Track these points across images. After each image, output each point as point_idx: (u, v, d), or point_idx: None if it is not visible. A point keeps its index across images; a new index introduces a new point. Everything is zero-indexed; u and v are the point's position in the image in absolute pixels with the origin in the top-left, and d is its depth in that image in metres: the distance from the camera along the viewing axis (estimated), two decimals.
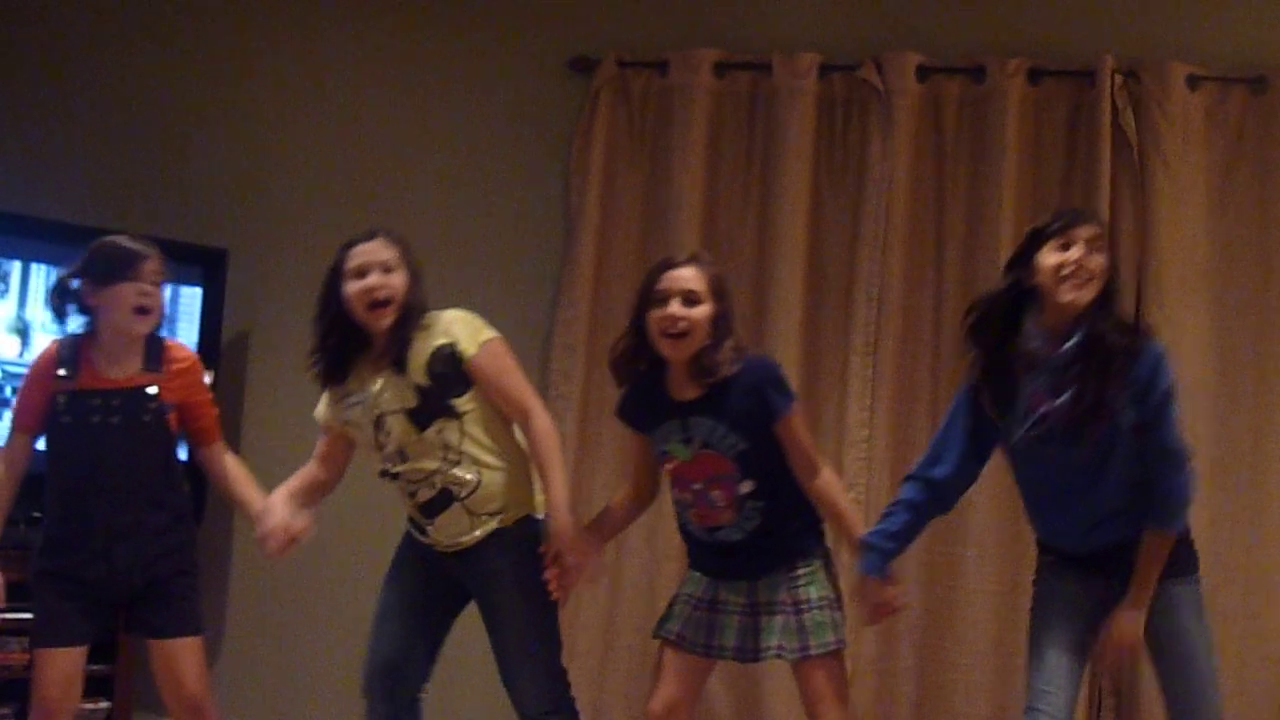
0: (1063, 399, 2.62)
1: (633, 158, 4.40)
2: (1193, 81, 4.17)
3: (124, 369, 2.93)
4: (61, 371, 2.90)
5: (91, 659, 3.04)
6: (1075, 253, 2.66)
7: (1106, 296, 2.69)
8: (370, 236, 2.91)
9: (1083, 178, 4.16)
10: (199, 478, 3.18)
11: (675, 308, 2.77)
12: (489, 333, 2.89)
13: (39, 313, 4.13)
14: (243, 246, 4.40)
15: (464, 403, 2.85)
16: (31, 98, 4.61)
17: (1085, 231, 2.69)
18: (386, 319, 2.84)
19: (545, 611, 2.88)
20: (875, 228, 4.24)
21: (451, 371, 2.83)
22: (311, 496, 3.00)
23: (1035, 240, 2.73)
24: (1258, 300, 4.15)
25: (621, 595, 4.23)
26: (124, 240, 2.93)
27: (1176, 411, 2.67)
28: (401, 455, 2.86)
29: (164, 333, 3.08)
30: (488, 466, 2.85)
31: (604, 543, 3.00)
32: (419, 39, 4.58)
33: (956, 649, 4.11)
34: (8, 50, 4.63)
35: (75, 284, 2.91)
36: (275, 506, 2.91)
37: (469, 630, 3.01)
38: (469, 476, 2.84)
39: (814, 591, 2.81)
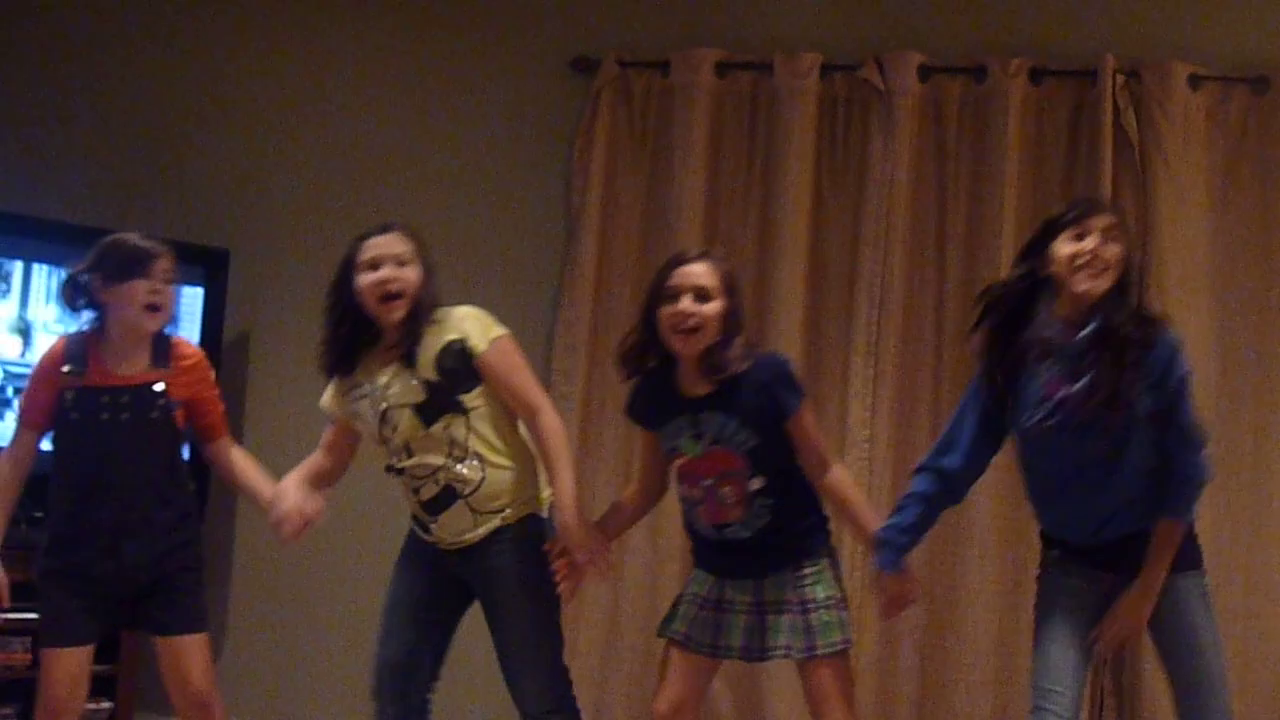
0: (1079, 385, 2.61)
1: (634, 158, 4.40)
2: (1194, 81, 4.17)
3: (132, 366, 2.93)
4: (68, 368, 2.90)
5: (94, 659, 3.03)
6: (1090, 242, 2.65)
7: (1122, 286, 2.68)
8: (385, 229, 2.91)
9: (1084, 177, 4.16)
10: (200, 475, 3.18)
11: (686, 304, 2.76)
12: (499, 330, 2.89)
13: (41, 313, 4.14)
14: (244, 247, 4.40)
15: (472, 399, 2.84)
16: (33, 98, 4.62)
17: (1100, 221, 2.69)
18: (398, 312, 2.84)
19: (548, 610, 2.88)
20: (876, 228, 4.24)
21: (461, 367, 2.83)
22: (318, 484, 3.00)
23: (1050, 229, 2.73)
24: (1259, 300, 4.15)
25: (624, 594, 4.23)
26: (137, 238, 2.93)
27: (1192, 398, 2.67)
28: (407, 450, 2.86)
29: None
30: (492, 464, 2.85)
31: (612, 539, 3.00)
32: (420, 39, 4.59)
33: (958, 648, 4.11)
34: (9, 50, 4.64)
35: (85, 279, 2.91)
36: (288, 491, 2.92)
37: (470, 629, 3.00)
38: (473, 474, 2.83)
39: (821, 591, 2.80)
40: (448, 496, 2.85)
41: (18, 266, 4.12)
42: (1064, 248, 2.68)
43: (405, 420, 2.84)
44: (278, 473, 3.07)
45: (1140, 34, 4.25)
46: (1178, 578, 2.68)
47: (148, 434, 2.92)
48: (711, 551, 2.88)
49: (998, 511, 4.06)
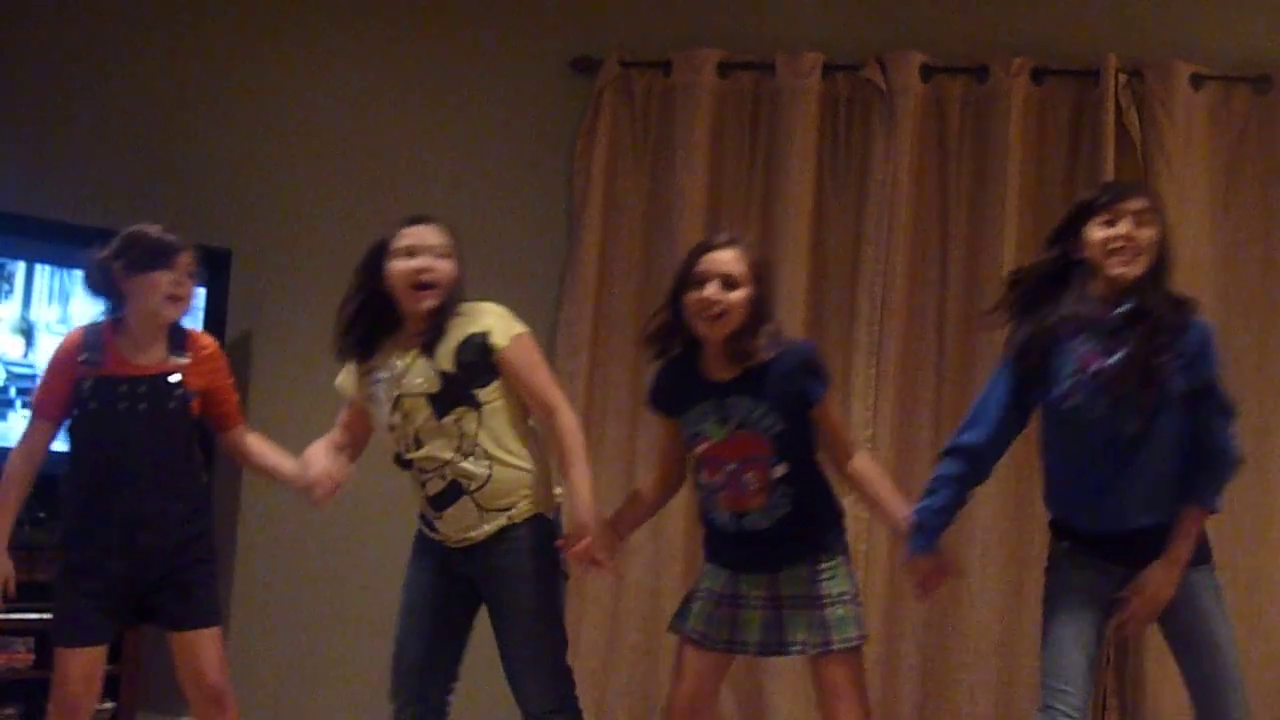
0: (1114, 360, 2.61)
1: (636, 158, 4.41)
2: (1196, 81, 4.17)
3: (150, 356, 2.94)
4: (85, 357, 2.91)
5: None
6: (1123, 227, 2.66)
7: (1157, 270, 2.68)
8: (421, 220, 2.93)
9: (1086, 177, 4.15)
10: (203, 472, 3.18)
11: (712, 290, 2.76)
12: (520, 327, 2.91)
13: (43, 313, 4.14)
14: (246, 247, 4.40)
15: (486, 394, 2.85)
16: (35, 98, 4.62)
17: (1133, 205, 2.69)
18: (430, 301, 2.85)
19: (552, 610, 2.88)
20: (878, 227, 4.24)
21: (480, 361, 2.84)
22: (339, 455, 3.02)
23: (1082, 213, 2.73)
24: (1261, 299, 4.15)
25: (625, 594, 4.23)
26: (160, 231, 2.95)
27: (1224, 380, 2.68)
28: (416, 441, 2.86)
29: None
30: (500, 462, 2.85)
31: (630, 532, 3.02)
32: (422, 40, 4.59)
33: (960, 648, 4.11)
34: (11, 51, 4.64)
35: (108, 267, 2.93)
36: (315, 457, 2.94)
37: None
38: (480, 470, 2.84)
39: (836, 586, 2.80)
40: (454, 492, 2.85)
41: (20, 267, 4.12)
42: (1096, 232, 2.68)
43: (418, 409, 2.85)
44: (271, 480, 3.08)
45: (1142, 33, 4.25)
46: (1191, 572, 2.67)
47: (165, 424, 2.93)
48: (727, 543, 2.87)
49: (1000, 511, 4.06)
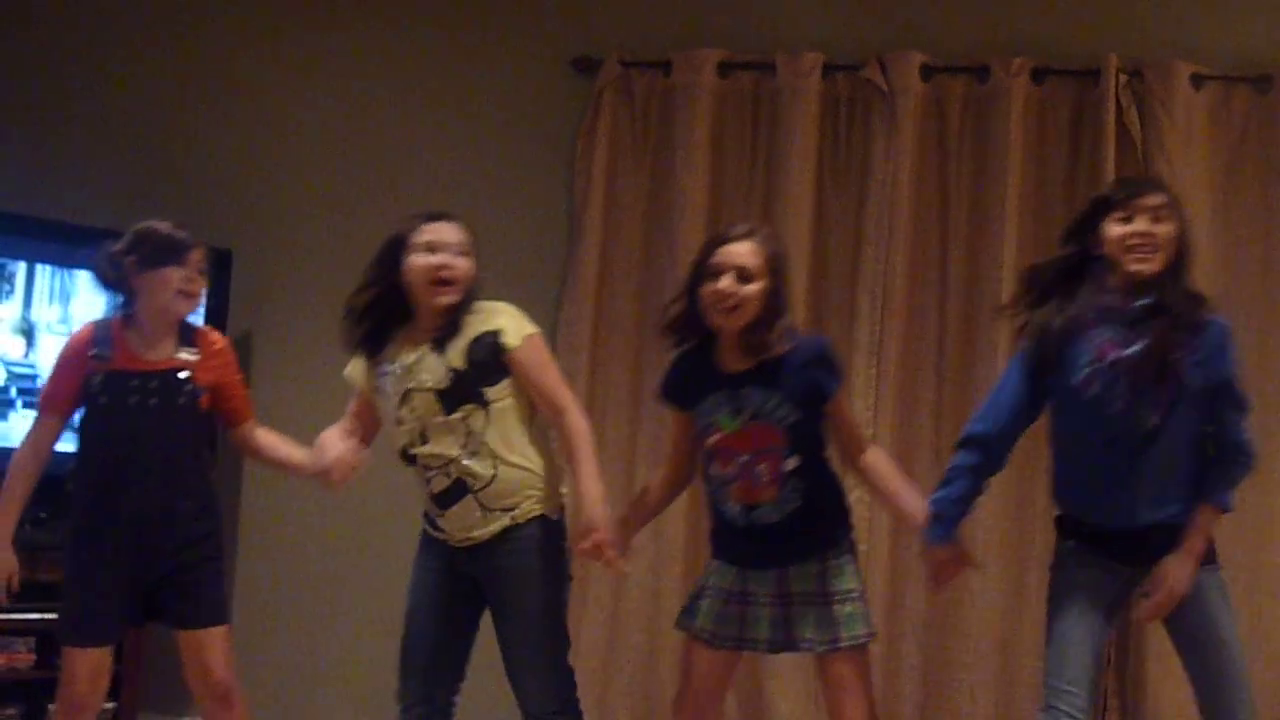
0: (1132, 350, 2.61)
1: (636, 158, 4.41)
2: (1197, 81, 4.17)
3: (160, 351, 2.95)
4: (95, 352, 2.92)
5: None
6: (1140, 224, 2.66)
7: (1176, 266, 2.68)
8: (442, 217, 2.95)
9: (1087, 177, 4.16)
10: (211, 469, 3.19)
11: (727, 283, 2.75)
12: (532, 328, 2.93)
13: (44, 313, 4.14)
14: (246, 247, 4.40)
15: (495, 393, 2.86)
16: (35, 98, 4.62)
17: (1149, 200, 2.69)
18: (448, 298, 2.87)
19: (554, 611, 2.89)
20: (879, 227, 4.24)
21: (491, 360, 2.86)
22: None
23: (1098, 209, 2.73)
24: (1261, 299, 4.15)
25: (626, 595, 4.23)
26: (172, 227, 2.97)
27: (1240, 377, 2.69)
28: (423, 436, 2.87)
29: None
30: (505, 462, 2.85)
31: (639, 529, 3.02)
32: (421, 40, 4.59)
33: (961, 648, 4.11)
34: (12, 51, 4.64)
35: (120, 262, 2.94)
36: (330, 441, 2.95)
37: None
38: (484, 469, 2.84)
39: (844, 583, 2.80)
40: (458, 490, 2.86)
41: (20, 267, 4.12)
42: (1113, 229, 2.69)
43: (426, 404, 2.85)
44: (284, 475, 3.08)
45: (1143, 33, 4.25)
46: (1198, 572, 2.67)
47: (175, 420, 2.94)
48: (736, 538, 2.86)
49: (1001, 511, 4.06)
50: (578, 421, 2.87)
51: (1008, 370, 2.84)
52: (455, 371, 2.84)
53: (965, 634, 4.11)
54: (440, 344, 2.85)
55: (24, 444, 3.00)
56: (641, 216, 4.38)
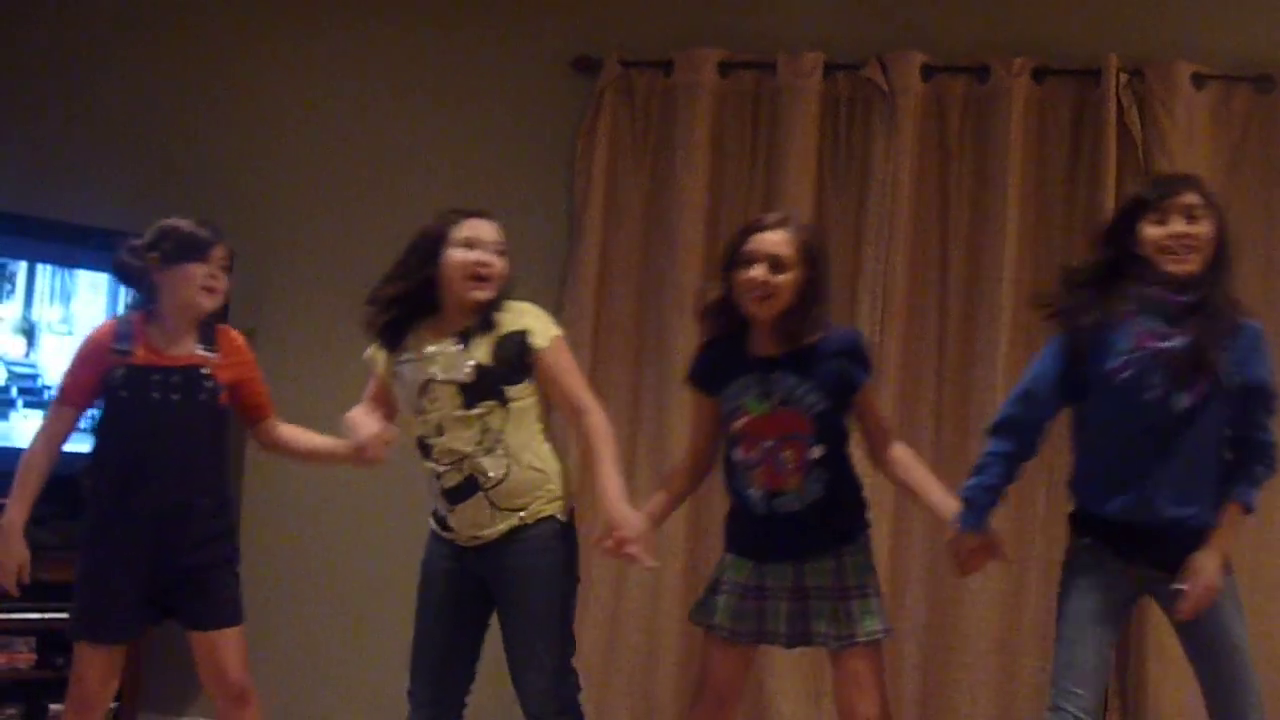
0: (1173, 342, 2.61)
1: (636, 157, 4.40)
2: (1198, 80, 4.17)
3: (181, 348, 2.97)
4: (118, 346, 2.93)
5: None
6: (1175, 225, 2.65)
7: (1217, 265, 2.68)
8: (480, 214, 2.97)
9: (1087, 176, 4.16)
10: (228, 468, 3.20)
11: (759, 272, 2.76)
12: (557, 329, 2.96)
13: (45, 313, 4.14)
14: (247, 247, 4.38)
15: (516, 392, 2.88)
16: (36, 98, 4.62)
17: (1184, 200, 2.68)
18: (484, 294, 2.89)
19: (560, 612, 2.90)
20: (879, 227, 4.24)
21: (517, 359, 2.88)
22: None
23: (1134, 210, 2.72)
24: (1262, 299, 4.13)
25: (626, 595, 4.23)
26: (195, 224, 2.99)
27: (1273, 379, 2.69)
28: (439, 429, 2.88)
29: None
30: (518, 462, 2.87)
31: (663, 521, 3.03)
32: (422, 39, 4.59)
33: (961, 647, 4.11)
34: (12, 50, 4.64)
35: (142, 258, 2.95)
36: (360, 420, 2.98)
37: None
38: (497, 468, 2.85)
39: (860, 579, 2.81)
40: (469, 487, 2.87)
41: (21, 267, 4.12)
42: (1149, 230, 2.68)
43: (447, 397, 2.87)
44: (286, 471, 3.09)
45: (1143, 33, 4.24)
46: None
47: (195, 415, 2.95)
48: (755, 528, 2.85)
49: (1000, 511, 4.02)
50: (601, 422, 2.89)
51: (1042, 356, 2.83)
52: (481, 367, 2.86)
53: (965, 634, 4.10)
54: (465, 338, 2.88)
55: (38, 436, 3.01)
56: (642, 216, 4.38)
